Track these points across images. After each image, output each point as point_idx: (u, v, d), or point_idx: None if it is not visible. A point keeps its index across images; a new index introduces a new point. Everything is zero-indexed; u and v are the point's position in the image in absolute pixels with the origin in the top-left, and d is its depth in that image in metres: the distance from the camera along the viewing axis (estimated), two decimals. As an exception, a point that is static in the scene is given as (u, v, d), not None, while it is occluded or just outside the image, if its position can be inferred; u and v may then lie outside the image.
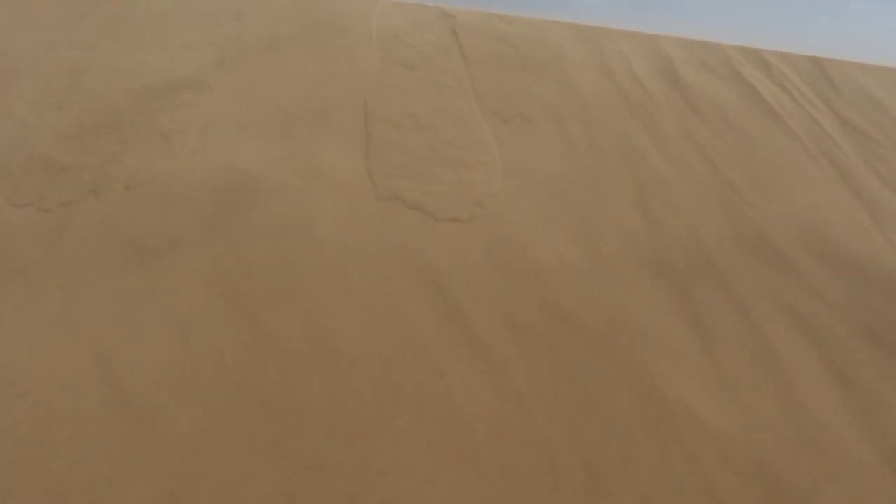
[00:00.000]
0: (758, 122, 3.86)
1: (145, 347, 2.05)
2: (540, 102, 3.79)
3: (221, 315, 2.19)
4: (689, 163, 3.38)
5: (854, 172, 3.47)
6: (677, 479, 1.84)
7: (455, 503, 1.72)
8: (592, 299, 2.44)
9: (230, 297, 2.27)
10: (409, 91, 3.72)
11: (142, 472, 1.70)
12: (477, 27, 4.64)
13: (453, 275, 2.48)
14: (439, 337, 2.21)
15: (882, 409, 2.13)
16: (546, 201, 2.94)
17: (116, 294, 2.24)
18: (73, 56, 3.67)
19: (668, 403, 2.06)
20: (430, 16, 4.71)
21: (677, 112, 3.88)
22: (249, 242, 2.52)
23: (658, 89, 4.13)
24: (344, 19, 4.49)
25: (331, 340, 2.15)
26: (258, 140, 3.13)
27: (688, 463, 1.88)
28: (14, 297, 2.18)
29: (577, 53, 4.48)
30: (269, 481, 1.71)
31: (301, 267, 2.43)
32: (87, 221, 2.53)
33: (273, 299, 2.28)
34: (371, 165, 3.04)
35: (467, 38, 4.44)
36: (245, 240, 2.53)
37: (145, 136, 3.06)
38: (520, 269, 2.54)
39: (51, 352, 2.00)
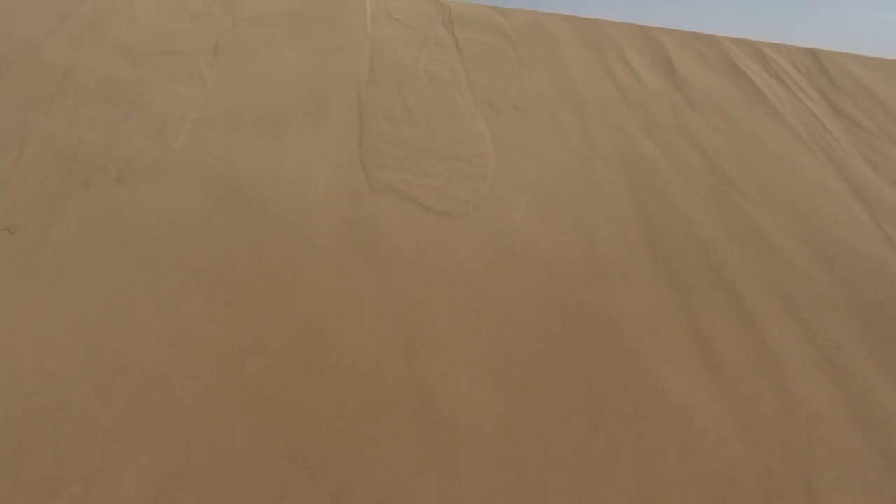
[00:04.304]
0: (753, 113, 3.85)
1: (135, 340, 2.04)
2: (534, 94, 3.78)
3: (213, 309, 2.19)
4: (684, 154, 3.37)
5: (848, 163, 3.46)
6: (670, 470, 1.84)
7: (443, 496, 1.72)
8: (586, 293, 2.44)
9: (222, 291, 2.26)
10: (402, 83, 3.71)
11: (129, 465, 1.69)
12: (472, 19, 4.62)
13: (448, 270, 2.47)
14: (434, 332, 2.21)
15: (874, 401, 2.13)
16: (540, 194, 2.93)
17: (106, 286, 2.23)
18: (63, 48, 3.65)
19: (659, 395, 2.06)
20: (425, 7, 4.69)
21: (673, 104, 3.87)
22: (242, 235, 2.51)
23: (654, 81, 4.12)
24: (338, 12, 4.47)
25: (323, 335, 2.14)
26: (251, 132, 3.12)
27: (681, 454, 1.88)
28: (2, 287, 2.17)
29: (572, 45, 4.47)
30: (258, 474, 1.71)
31: (294, 260, 2.43)
32: (78, 214, 2.52)
33: (266, 293, 2.27)
34: (364, 157, 3.03)
35: (462, 30, 4.42)
36: (238, 232, 2.52)
37: (137, 128, 3.05)
38: (514, 263, 2.53)
39: (40, 343, 1.99)
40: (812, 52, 4.77)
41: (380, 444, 1.82)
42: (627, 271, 2.56)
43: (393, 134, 3.24)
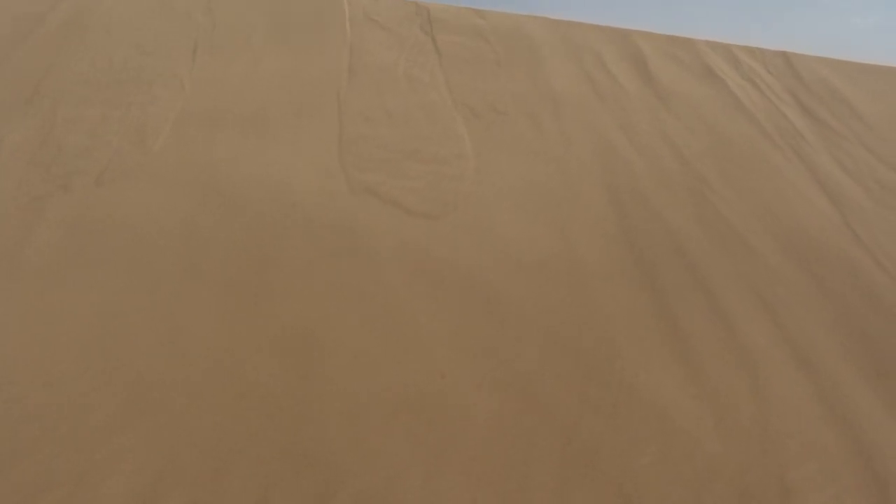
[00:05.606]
0: (727, 115, 3.93)
1: (125, 341, 2.03)
2: (513, 97, 3.81)
3: (199, 310, 2.18)
4: (660, 155, 3.42)
5: (819, 164, 3.55)
6: (649, 467, 1.88)
7: (428, 495, 1.73)
8: (566, 292, 2.47)
9: (207, 292, 2.26)
10: (382, 85, 3.72)
11: (120, 465, 1.69)
12: (451, 21, 4.64)
13: (429, 271, 2.49)
14: (417, 332, 2.23)
15: (846, 396, 2.19)
16: (519, 195, 2.96)
17: (93, 288, 2.21)
18: (39, 50, 3.60)
19: (638, 393, 2.10)
20: (404, 10, 4.70)
21: (649, 106, 3.92)
22: (226, 236, 2.50)
23: (630, 83, 4.18)
24: (317, 14, 4.47)
25: (309, 335, 2.15)
26: (232, 135, 3.11)
27: (659, 451, 1.92)
28: (-17, 293, 2.15)
29: (550, 48, 4.51)
30: (245, 473, 1.72)
31: (278, 261, 2.43)
32: (58, 216, 2.50)
33: (251, 294, 2.27)
34: (344, 160, 3.03)
35: (441, 32, 4.44)
36: (222, 234, 2.51)
37: (116, 131, 3.02)
38: (494, 263, 2.56)
39: (26, 347, 1.97)
40: (783, 55, 4.86)
41: (365, 443, 1.84)
42: (606, 271, 2.60)
43: (373, 136, 3.25)
